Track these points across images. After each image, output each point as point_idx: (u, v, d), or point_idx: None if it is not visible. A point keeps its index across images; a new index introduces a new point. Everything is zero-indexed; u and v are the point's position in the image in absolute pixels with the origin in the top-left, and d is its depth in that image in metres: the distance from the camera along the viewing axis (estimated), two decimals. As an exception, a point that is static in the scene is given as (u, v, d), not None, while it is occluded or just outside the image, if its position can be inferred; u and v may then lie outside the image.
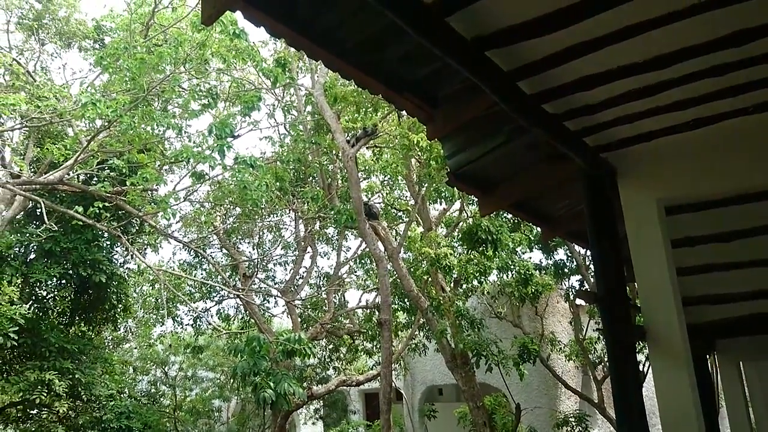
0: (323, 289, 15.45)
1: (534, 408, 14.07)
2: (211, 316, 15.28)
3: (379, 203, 14.56)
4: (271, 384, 9.26)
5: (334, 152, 12.56)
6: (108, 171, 10.13)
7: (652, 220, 4.11)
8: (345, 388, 17.13)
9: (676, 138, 4.04)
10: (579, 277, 13.89)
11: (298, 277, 15.28)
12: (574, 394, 15.35)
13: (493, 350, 9.75)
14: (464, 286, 12.33)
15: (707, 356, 7.91)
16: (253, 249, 15.92)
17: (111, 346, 16.76)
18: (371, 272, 15.18)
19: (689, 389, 3.72)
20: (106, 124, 9.35)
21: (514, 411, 10.94)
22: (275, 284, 15.75)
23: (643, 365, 10.45)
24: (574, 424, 12.94)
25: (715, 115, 3.83)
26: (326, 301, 14.73)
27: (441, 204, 13.20)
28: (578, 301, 14.60)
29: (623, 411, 3.68)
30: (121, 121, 8.82)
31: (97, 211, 9.17)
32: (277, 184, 11.58)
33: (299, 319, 14.77)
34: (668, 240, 4.16)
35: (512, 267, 10.92)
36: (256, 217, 14.44)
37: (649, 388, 4.71)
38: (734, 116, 3.81)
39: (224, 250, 15.14)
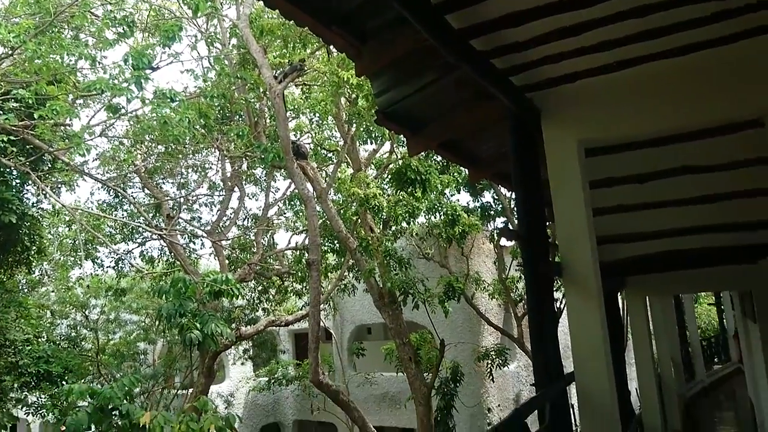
0: (252, 230, 15.24)
1: (458, 343, 14.62)
2: (134, 258, 14.82)
3: (309, 144, 14.32)
4: (198, 325, 9.16)
5: (261, 89, 12.13)
6: (13, 102, 9.38)
7: (573, 160, 4.20)
8: (274, 328, 17.23)
9: (599, 79, 4.10)
10: (504, 219, 14.31)
11: (225, 218, 14.98)
12: (496, 331, 16.09)
13: (419, 289, 9.97)
14: (393, 227, 12.45)
15: (618, 292, 8.40)
16: (178, 189, 15.40)
17: (26, 290, 16.03)
18: (300, 214, 15.08)
19: (600, 323, 3.92)
20: (9, 51, 8.60)
21: (438, 347, 11.34)
22: (201, 226, 15.40)
23: (559, 303, 11.01)
24: (494, 356, 13.57)
25: (636, 58, 3.89)
26: (255, 242, 14.56)
27: (371, 144, 13.13)
28: (503, 242, 15.09)
29: (538, 341, 3.84)
30: (25, 48, 8.12)
31: (2, 145, 8.53)
32: (201, 120, 11.11)
33: (227, 261, 14.57)
34: (587, 181, 4.27)
35: (440, 208, 11.07)
36: (180, 155, 13.91)
37: (564, 325, 4.94)
38: (655, 59, 3.89)
39: (146, 190, 14.57)
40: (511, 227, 13.57)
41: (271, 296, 16.43)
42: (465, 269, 14.80)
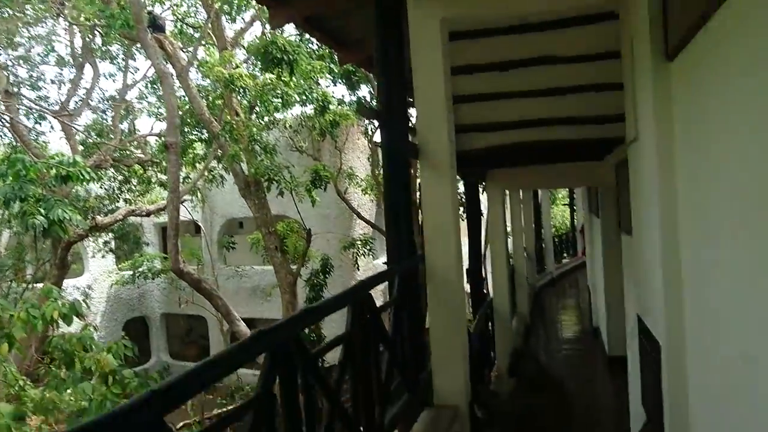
0: (108, 113, 14.01)
1: (327, 233, 14.78)
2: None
3: (172, 21, 13.10)
4: (42, 210, 8.40)
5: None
6: None
7: (435, 42, 4.08)
8: (137, 220, 16.41)
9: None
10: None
11: (76, 98, 13.62)
12: (367, 225, 16.44)
13: (285, 176, 9.76)
14: (266, 118, 11.96)
15: (478, 184, 8.75)
16: (19, 63, 13.65)
17: None
18: (163, 99, 14.03)
19: (451, 205, 3.99)
20: None
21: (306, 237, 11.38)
22: (49, 106, 13.92)
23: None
24: (360, 246, 13.90)
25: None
26: (112, 127, 13.44)
27: (238, 23, 12.26)
28: (376, 138, 15.10)
29: (392, 219, 3.86)
30: None
31: None
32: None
33: (81, 147, 13.40)
34: (449, 65, 4.20)
35: (311, 95, 10.70)
36: (19, 24, 12.19)
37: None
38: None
39: (-22, 62, 12.77)
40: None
41: (133, 187, 15.49)
42: (338, 163, 14.74)
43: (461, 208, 11.27)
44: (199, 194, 15.36)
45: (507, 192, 13.02)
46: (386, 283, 3.94)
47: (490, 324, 8.95)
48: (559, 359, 10.12)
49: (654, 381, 3.70)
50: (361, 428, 2.82)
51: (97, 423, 1.31)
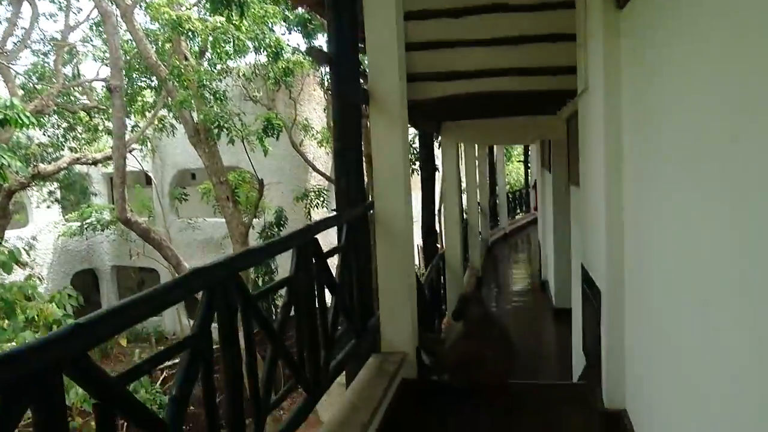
0: (50, 56, 13.31)
1: (278, 183, 14.61)
2: None
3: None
4: (-22, 156, 7.99)
5: None
6: None
7: (389, -17, 3.97)
8: (84, 169, 15.85)
9: None
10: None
11: (13, 38, 12.84)
12: (322, 177, 16.30)
13: (236, 124, 9.51)
14: (218, 66, 11.56)
15: (433, 136, 8.73)
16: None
17: None
18: (107, 40, 13.38)
19: (401, 152, 3.96)
20: None
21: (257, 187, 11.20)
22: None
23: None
24: (313, 197, 13.80)
25: None
26: (54, 71, 12.78)
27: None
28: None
29: (340, 166, 3.81)
30: None
31: None
32: None
33: (21, 91, 12.74)
34: (401, 8, 4.10)
35: (263, 41, 10.35)
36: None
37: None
38: None
39: None
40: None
41: (78, 135, 14.89)
42: (293, 114, 14.46)
43: (417, 164, 11.28)
44: (149, 144, 14.88)
45: (462, 146, 13.08)
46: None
47: (442, 276, 9.09)
48: (508, 310, 10.40)
49: (594, 327, 3.82)
50: (306, 372, 2.83)
51: (16, 353, 1.25)
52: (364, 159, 4.29)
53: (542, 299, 10.99)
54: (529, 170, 24.41)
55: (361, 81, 4.22)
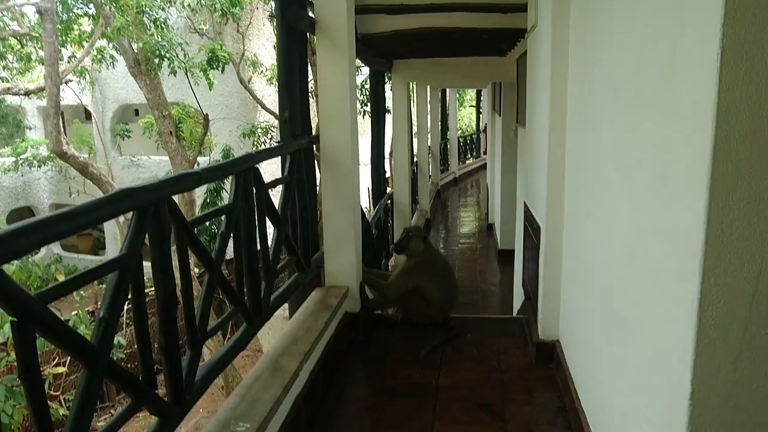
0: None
1: (225, 118, 14.22)
2: None
3: None
4: None
5: None
6: None
7: None
8: (16, 101, 15.00)
9: None
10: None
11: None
12: (272, 116, 15.92)
13: (178, 54, 9.09)
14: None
15: (384, 75, 8.58)
16: None
17: None
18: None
19: (348, 83, 3.87)
20: None
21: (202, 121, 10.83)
22: None
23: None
24: (260, 134, 13.52)
25: None
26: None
27: None
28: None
29: (284, 95, 3.69)
30: None
31: None
32: None
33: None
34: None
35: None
36: None
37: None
38: None
39: None
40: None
41: (9, 64, 13.99)
42: (241, 49, 13.94)
43: (367, 105, 11.11)
44: (87, 76, 14.13)
45: (414, 89, 12.96)
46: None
47: (390, 218, 9.13)
48: (455, 251, 10.60)
49: (533, 262, 3.92)
50: (246, 302, 2.81)
51: None
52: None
53: (488, 241, 11.25)
54: (481, 115, 24.49)
55: (308, 10, 4.05)
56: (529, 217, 4.21)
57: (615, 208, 2.18)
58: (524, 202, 4.53)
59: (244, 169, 2.72)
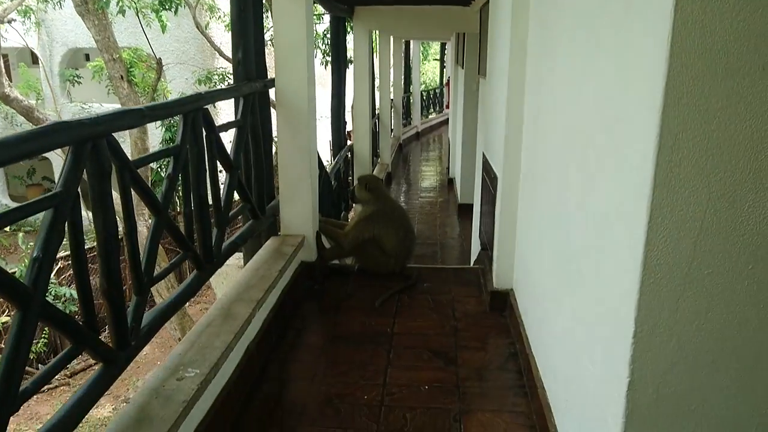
0: None
1: (179, 63, 13.74)
2: None
3: None
4: None
5: None
6: None
7: None
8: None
9: None
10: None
11: None
12: (229, 63, 15.41)
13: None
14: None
15: (345, 21, 8.35)
16: None
17: None
18: None
19: (305, 26, 3.72)
20: None
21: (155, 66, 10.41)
22: None
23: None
24: (217, 80, 13.13)
25: None
26: None
27: None
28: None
29: (239, 34, 3.54)
30: None
31: None
32: None
33: None
34: None
35: None
36: None
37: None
38: None
39: None
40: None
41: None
42: (197, -7, 13.36)
43: (329, 56, 10.82)
44: (33, 15, 13.37)
45: (377, 40, 12.68)
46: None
47: (351, 170, 9.04)
48: (415, 205, 10.62)
49: (490, 212, 3.93)
50: (196, 248, 2.74)
51: None
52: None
53: (449, 195, 11.29)
54: (444, 69, 24.26)
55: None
56: (487, 167, 4.20)
57: (569, 154, 2.17)
58: (482, 153, 4.52)
59: (192, 109, 2.61)
